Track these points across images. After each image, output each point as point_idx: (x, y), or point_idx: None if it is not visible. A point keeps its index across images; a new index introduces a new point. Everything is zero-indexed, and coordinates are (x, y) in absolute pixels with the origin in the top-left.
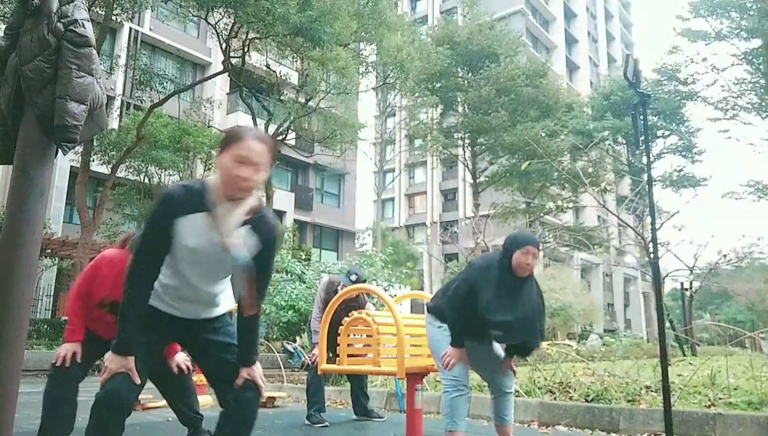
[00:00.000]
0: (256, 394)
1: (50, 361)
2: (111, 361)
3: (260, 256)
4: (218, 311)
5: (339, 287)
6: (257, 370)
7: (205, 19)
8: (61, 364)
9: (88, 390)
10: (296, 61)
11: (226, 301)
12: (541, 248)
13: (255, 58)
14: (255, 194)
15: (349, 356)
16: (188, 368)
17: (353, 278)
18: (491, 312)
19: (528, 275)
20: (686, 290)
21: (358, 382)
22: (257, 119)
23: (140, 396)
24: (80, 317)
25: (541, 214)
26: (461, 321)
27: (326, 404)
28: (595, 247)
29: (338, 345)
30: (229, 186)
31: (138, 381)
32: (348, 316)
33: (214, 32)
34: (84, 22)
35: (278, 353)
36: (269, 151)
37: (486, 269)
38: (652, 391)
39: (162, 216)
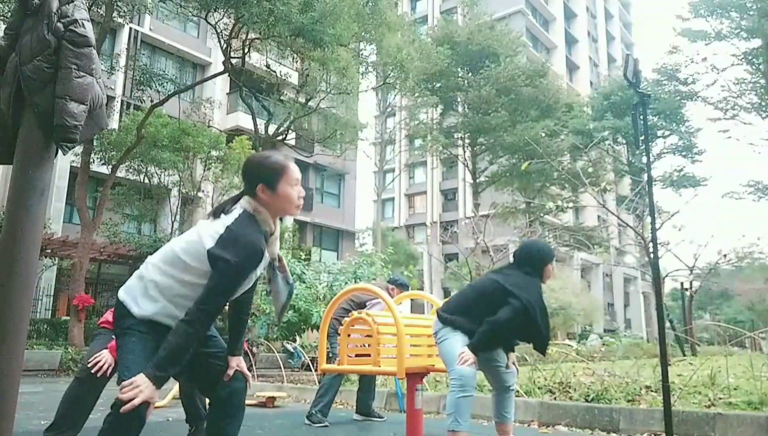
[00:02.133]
0: (245, 384)
1: (51, 361)
2: (146, 388)
3: None
4: None
5: (390, 292)
6: (242, 361)
7: (206, 19)
8: (96, 371)
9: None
10: (296, 62)
11: None
12: None
13: (255, 58)
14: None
15: (350, 355)
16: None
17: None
18: (544, 335)
19: None
20: (686, 290)
21: (366, 382)
22: (257, 119)
23: None
24: None
25: (541, 214)
26: (498, 338)
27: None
28: (595, 247)
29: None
30: (292, 210)
31: (148, 417)
32: (349, 316)
33: (215, 32)
34: (84, 22)
35: (278, 353)
36: None
37: (536, 294)
38: (652, 391)
39: (250, 270)
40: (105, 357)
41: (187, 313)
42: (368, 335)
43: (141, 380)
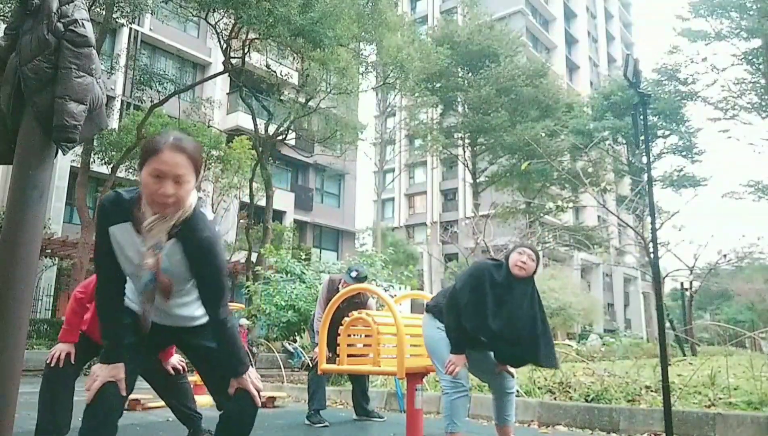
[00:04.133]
0: (251, 403)
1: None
2: (100, 370)
3: (195, 266)
4: (199, 321)
5: (340, 285)
6: (250, 377)
7: (206, 20)
8: (54, 364)
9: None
10: (296, 62)
11: (202, 314)
12: (540, 248)
13: (255, 58)
14: (187, 203)
15: (349, 356)
16: (183, 368)
17: (354, 274)
18: (477, 317)
19: (525, 282)
20: (686, 290)
21: (358, 383)
22: (257, 119)
23: (140, 396)
24: (78, 318)
25: (541, 214)
26: (460, 328)
27: (326, 404)
28: (595, 247)
29: (338, 345)
30: (152, 203)
31: (124, 392)
32: (348, 316)
33: (215, 32)
34: (84, 22)
35: (278, 353)
36: (191, 159)
37: (479, 274)
38: (652, 391)
39: (98, 224)
40: (58, 347)
41: None
42: (368, 335)
43: (95, 367)
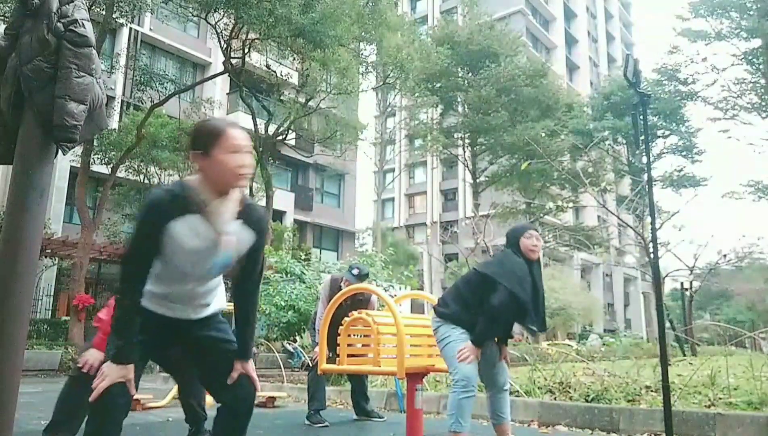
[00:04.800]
0: (251, 389)
1: (51, 361)
2: (109, 370)
3: (253, 246)
4: (210, 310)
5: (343, 284)
6: (251, 366)
7: (206, 20)
8: (87, 370)
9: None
10: (296, 62)
11: (217, 301)
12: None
13: (255, 59)
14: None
15: (349, 356)
16: None
17: (355, 272)
18: (537, 309)
19: (537, 259)
20: (686, 290)
21: (358, 383)
22: (257, 119)
23: (140, 396)
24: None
25: (541, 215)
26: (498, 326)
27: (326, 404)
28: (595, 247)
29: (338, 345)
30: (230, 179)
31: (134, 391)
32: (349, 315)
33: (215, 32)
34: (84, 22)
35: (278, 353)
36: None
37: (510, 266)
38: (652, 391)
39: (150, 223)
40: (93, 355)
41: None
42: (368, 335)
43: (105, 365)
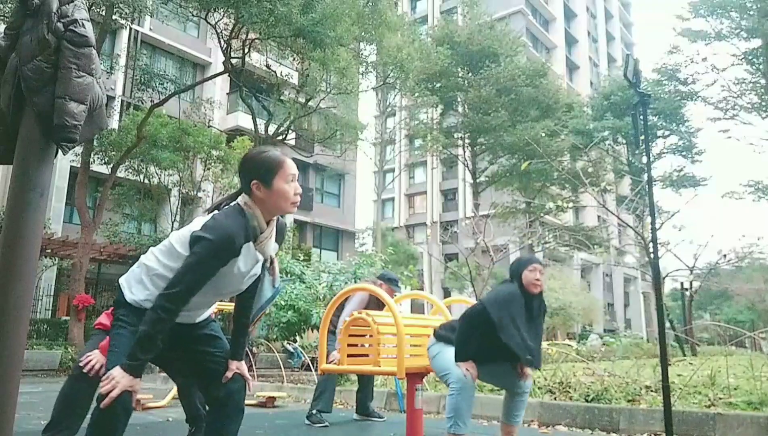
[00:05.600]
0: (243, 384)
1: (51, 361)
2: (122, 378)
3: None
4: (209, 312)
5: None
6: (244, 365)
7: (206, 20)
8: (88, 371)
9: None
10: (296, 62)
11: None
12: (540, 248)
13: (255, 58)
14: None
15: (349, 356)
16: None
17: (398, 283)
18: (521, 338)
19: (539, 293)
20: (686, 290)
21: (368, 382)
22: (257, 119)
23: (140, 396)
24: None
25: (541, 214)
26: (469, 339)
27: (332, 407)
28: (595, 247)
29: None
30: (286, 206)
31: (134, 402)
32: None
33: (215, 32)
34: (84, 22)
35: (278, 353)
36: None
37: (508, 300)
38: (652, 391)
39: (221, 258)
40: (96, 357)
41: (155, 299)
42: (368, 335)
43: (117, 371)
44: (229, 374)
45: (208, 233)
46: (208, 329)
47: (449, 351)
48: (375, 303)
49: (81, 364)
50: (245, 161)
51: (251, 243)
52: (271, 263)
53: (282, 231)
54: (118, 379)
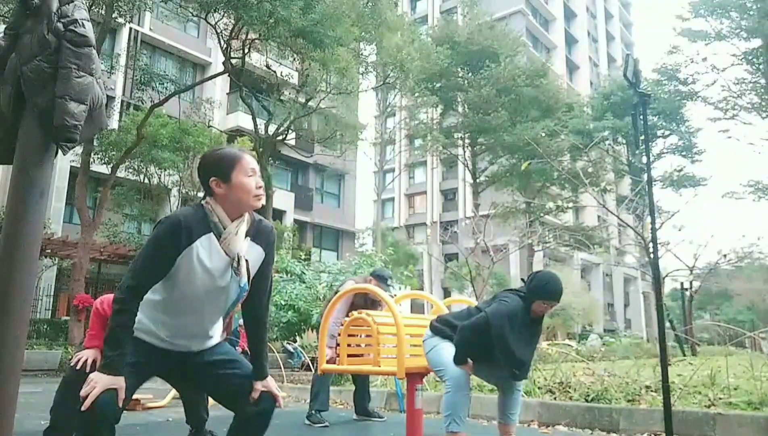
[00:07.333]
0: (273, 403)
1: (51, 361)
2: (99, 379)
3: (263, 262)
4: (212, 342)
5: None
6: (271, 381)
7: (206, 20)
8: (80, 368)
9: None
10: (296, 62)
11: (219, 333)
12: (541, 248)
13: (255, 59)
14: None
15: (349, 356)
16: None
17: (389, 281)
18: (513, 354)
19: (539, 319)
20: (686, 290)
21: (362, 383)
22: (257, 119)
23: (140, 396)
24: (102, 324)
25: (541, 214)
26: (468, 344)
27: (329, 406)
28: (595, 247)
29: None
30: (250, 200)
31: (121, 403)
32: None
33: (215, 32)
34: (84, 21)
35: (278, 353)
36: None
37: (511, 317)
38: (652, 391)
39: (169, 242)
40: (85, 353)
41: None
42: (368, 335)
43: (94, 374)
44: (255, 395)
45: (160, 222)
46: (222, 352)
47: (445, 346)
48: (370, 302)
49: (72, 363)
50: (202, 161)
51: (213, 236)
52: (239, 262)
53: (265, 233)
54: (96, 380)
